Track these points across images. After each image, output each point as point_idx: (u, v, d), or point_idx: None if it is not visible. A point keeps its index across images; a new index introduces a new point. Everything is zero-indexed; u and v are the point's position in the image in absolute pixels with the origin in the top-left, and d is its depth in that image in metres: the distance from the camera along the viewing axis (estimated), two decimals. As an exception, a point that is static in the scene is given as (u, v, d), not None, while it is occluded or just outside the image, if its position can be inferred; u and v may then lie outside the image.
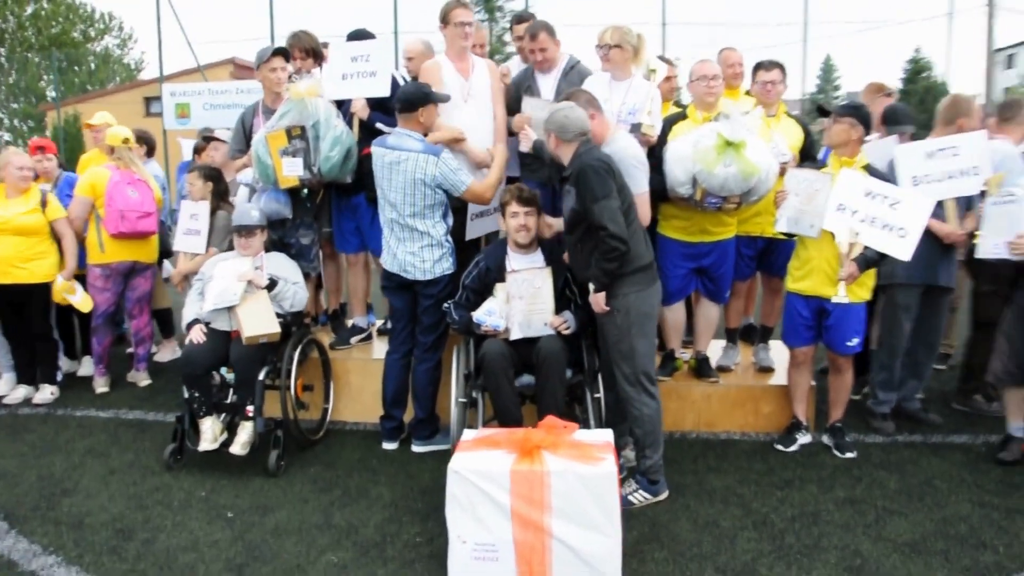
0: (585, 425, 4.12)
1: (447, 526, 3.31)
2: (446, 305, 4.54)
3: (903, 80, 40.32)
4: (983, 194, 4.65)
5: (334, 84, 5.22)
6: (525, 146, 4.81)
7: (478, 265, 4.51)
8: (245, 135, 5.46)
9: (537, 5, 14.21)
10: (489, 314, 4.25)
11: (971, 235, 4.80)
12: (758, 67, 5.24)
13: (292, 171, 4.97)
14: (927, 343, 5.18)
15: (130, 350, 6.52)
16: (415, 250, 4.58)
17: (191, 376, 4.59)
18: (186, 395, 4.63)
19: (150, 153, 7.23)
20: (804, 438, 4.83)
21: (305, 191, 5.11)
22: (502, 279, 4.39)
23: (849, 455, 4.62)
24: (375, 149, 4.67)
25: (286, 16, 25.46)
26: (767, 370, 5.37)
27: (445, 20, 5.12)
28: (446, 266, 4.65)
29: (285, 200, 5.16)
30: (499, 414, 4.16)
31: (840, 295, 4.37)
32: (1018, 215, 4.37)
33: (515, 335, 4.27)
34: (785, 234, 4.68)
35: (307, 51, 5.58)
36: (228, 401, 4.74)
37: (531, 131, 4.73)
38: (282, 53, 5.34)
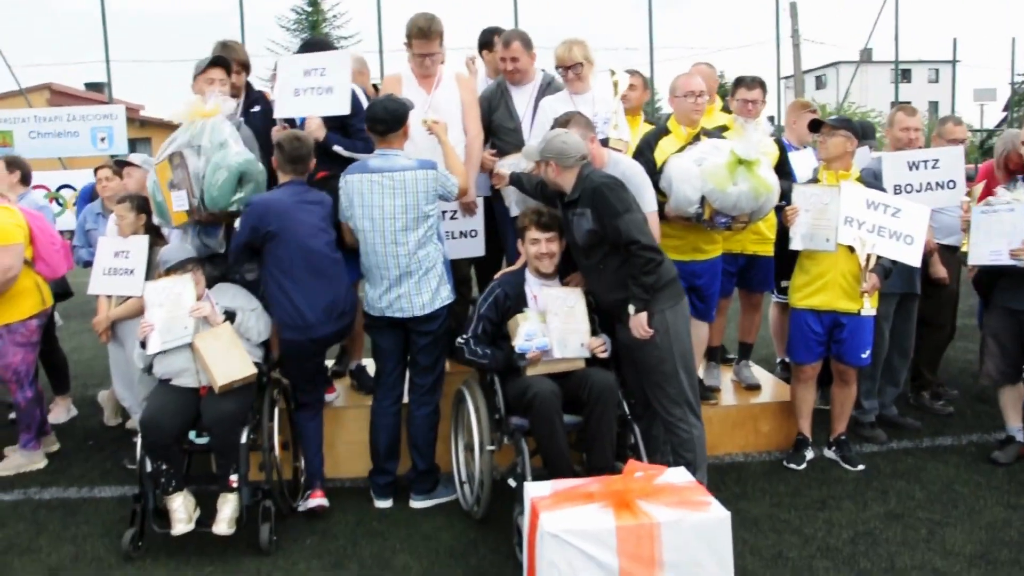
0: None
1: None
2: (460, 340, 4.05)
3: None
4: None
5: (286, 101, 4.59)
6: (499, 184, 4.64)
7: (493, 292, 4.09)
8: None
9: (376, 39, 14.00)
10: (529, 337, 3.84)
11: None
12: (738, 84, 5.14)
13: (180, 206, 4.15)
14: (901, 348, 5.27)
15: (12, 415, 5.48)
16: (413, 283, 4.09)
17: (157, 445, 3.83)
18: (149, 468, 3.85)
19: (25, 181, 6.13)
20: (810, 454, 4.77)
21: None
22: (519, 309, 4.01)
23: (860, 467, 4.61)
24: (352, 178, 4.12)
25: (121, 36, 23.22)
26: (754, 387, 5.29)
27: (408, 43, 4.69)
28: (445, 295, 4.19)
29: (212, 233, 4.43)
30: (549, 461, 3.72)
31: (867, 307, 4.35)
32: (1020, 224, 4.38)
33: (556, 354, 3.89)
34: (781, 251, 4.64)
35: (243, 64, 4.93)
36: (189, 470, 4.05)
37: (503, 169, 4.53)
38: (222, 63, 4.64)
